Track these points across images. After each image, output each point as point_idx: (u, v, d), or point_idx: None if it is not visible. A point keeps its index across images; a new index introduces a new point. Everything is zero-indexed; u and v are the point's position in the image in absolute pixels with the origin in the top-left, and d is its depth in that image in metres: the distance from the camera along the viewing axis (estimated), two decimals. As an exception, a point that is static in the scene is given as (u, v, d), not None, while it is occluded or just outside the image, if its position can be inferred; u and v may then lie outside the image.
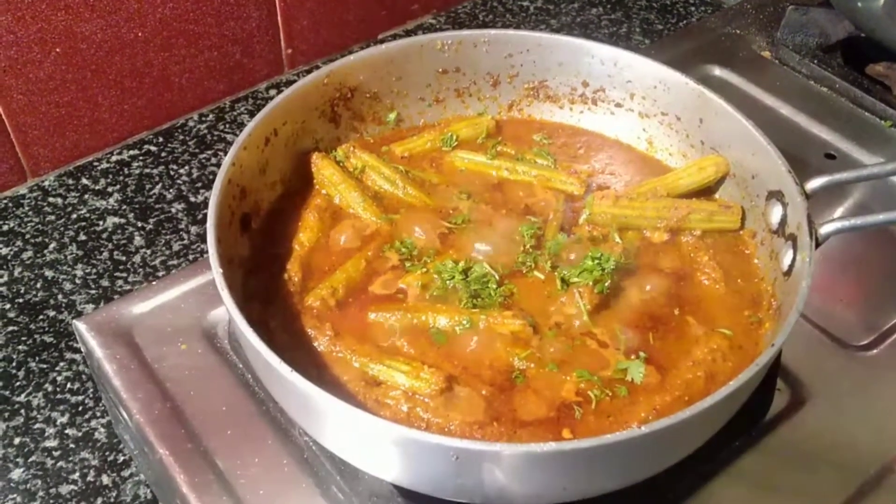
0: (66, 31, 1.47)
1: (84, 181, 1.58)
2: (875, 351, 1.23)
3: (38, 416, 1.26)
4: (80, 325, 1.20)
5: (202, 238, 1.48)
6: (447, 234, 1.22)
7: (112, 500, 1.19)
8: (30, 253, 1.46)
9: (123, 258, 1.46)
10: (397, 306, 1.13)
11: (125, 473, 1.21)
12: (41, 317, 1.38)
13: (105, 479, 1.20)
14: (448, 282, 1.14)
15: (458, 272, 1.14)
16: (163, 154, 1.64)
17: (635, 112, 1.35)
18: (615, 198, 1.22)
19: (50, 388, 1.29)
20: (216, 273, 1.00)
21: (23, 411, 1.26)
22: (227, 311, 0.98)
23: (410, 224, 1.22)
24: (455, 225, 1.22)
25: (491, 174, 1.31)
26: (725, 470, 1.10)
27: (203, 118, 1.71)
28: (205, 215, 1.05)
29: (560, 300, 1.14)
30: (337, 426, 0.97)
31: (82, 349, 1.22)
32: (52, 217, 1.52)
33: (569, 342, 1.10)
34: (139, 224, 1.51)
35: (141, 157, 1.63)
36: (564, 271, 1.15)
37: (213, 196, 1.07)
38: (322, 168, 1.26)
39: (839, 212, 1.41)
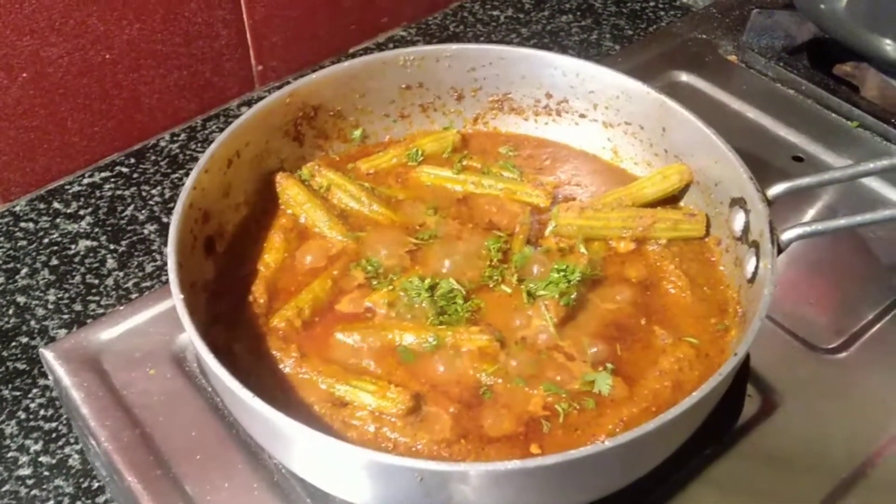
0: (32, 55, 1.47)
1: (55, 205, 1.58)
2: (845, 353, 1.23)
3: (11, 444, 1.26)
4: (46, 354, 1.20)
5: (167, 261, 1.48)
6: (414, 251, 1.21)
7: (86, 527, 1.19)
8: (1, 279, 1.46)
9: (96, 281, 1.46)
10: (364, 325, 1.13)
11: (100, 500, 1.20)
12: (13, 343, 1.37)
13: (79, 507, 1.20)
14: (415, 299, 1.14)
15: (425, 289, 1.14)
16: (134, 175, 1.63)
17: (599, 122, 1.35)
18: (580, 209, 1.22)
19: (23, 416, 1.29)
20: (177, 299, 1.00)
21: (-5, 440, 1.26)
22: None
23: (376, 242, 1.22)
24: (422, 241, 1.22)
25: (457, 189, 1.31)
26: (698, 478, 1.09)
27: (175, 138, 1.71)
28: (179, 236, 1.04)
29: (528, 313, 1.14)
30: (303, 451, 0.97)
31: (50, 377, 1.22)
32: (24, 242, 1.52)
33: (535, 356, 1.10)
34: (111, 247, 1.51)
35: (112, 179, 1.62)
36: (531, 284, 1.15)
37: (174, 222, 1.07)
38: (287, 188, 1.26)
39: (809, 214, 1.41)
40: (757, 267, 1.09)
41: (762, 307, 1.00)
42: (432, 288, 1.14)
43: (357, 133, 1.36)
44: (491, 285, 1.17)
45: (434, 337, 1.10)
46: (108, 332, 1.23)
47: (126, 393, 1.16)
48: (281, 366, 1.08)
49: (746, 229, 1.14)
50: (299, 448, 0.96)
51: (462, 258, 1.20)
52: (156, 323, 1.24)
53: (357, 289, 1.17)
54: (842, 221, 1.10)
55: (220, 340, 1.08)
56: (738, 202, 1.16)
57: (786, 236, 1.08)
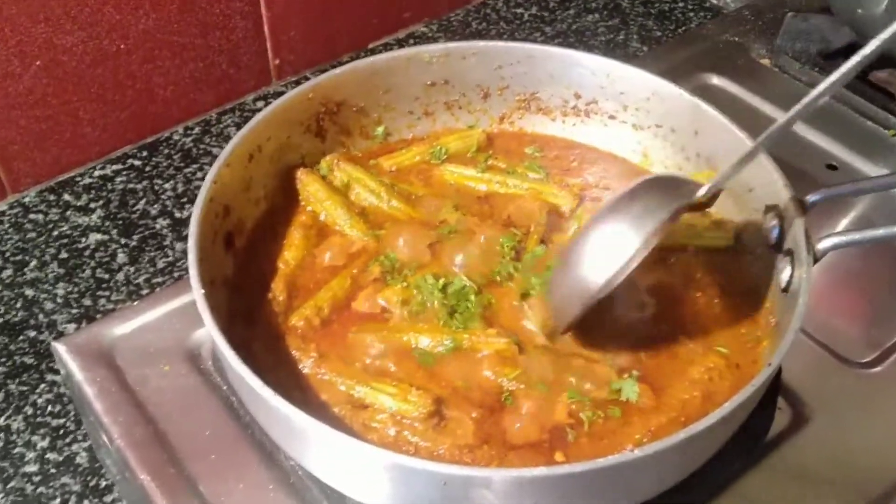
0: (46, 43, 1.45)
1: (66, 197, 1.55)
2: (879, 368, 1.20)
3: (18, 440, 1.23)
4: (59, 347, 1.18)
5: (187, 255, 1.46)
6: (433, 246, 1.19)
7: (93, 526, 1.16)
8: (9, 271, 1.43)
9: (106, 276, 1.43)
10: (380, 326, 1.10)
11: (107, 499, 1.18)
12: (21, 337, 1.34)
13: (86, 506, 1.17)
14: (427, 297, 1.11)
15: (438, 289, 1.11)
16: (147, 168, 1.61)
17: (629, 124, 1.32)
18: (607, 212, 1.20)
19: (30, 412, 1.26)
20: (197, 295, 0.98)
21: (2, 435, 1.23)
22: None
23: (395, 238, 1.20)
24: (441, 236, 1.20)
25: (480, 188, 1.28)
26: (725, 492, 1.07)
27: (189, 131, 1.68)
28: (190, 232, 1.02)
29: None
30: (322, 451, 0.95)
31: (61, 372, 1.19)
32: (33, 234, 1.49)
33: (556, 361, 1.07)
34: (122, 241, 1.48)
35: (124, 172, 1.60)
36: (534, 279, 1.13)
37: (195, 215, 1.05)
38: (307, 184, 1.24)
39: (842, 224, 1.38)
40: (792, 276, 1.07)
41: (797, 317, 0.97)
42: (445, 287, 1.12)
43: (380, 130, 1.33)
44: (498, 280, 1.15)
45: (450, 339, 1.08)
46: (121, 328, 1.20)
47: (139, 389, 1.14)
48: (300, 366, 1.06)
49: (781, 237, 1.11)
50: (320, 449, 0.94)
51: (477, 254, 1.18)
52: (170, 319, 1.22)
53: (372, 283, 1.15)
54: (880, 232, 1.07)
55: (238, 338, 1.04)
56: (772, 209, 1.13)
57: (822, 245, 1.05)
